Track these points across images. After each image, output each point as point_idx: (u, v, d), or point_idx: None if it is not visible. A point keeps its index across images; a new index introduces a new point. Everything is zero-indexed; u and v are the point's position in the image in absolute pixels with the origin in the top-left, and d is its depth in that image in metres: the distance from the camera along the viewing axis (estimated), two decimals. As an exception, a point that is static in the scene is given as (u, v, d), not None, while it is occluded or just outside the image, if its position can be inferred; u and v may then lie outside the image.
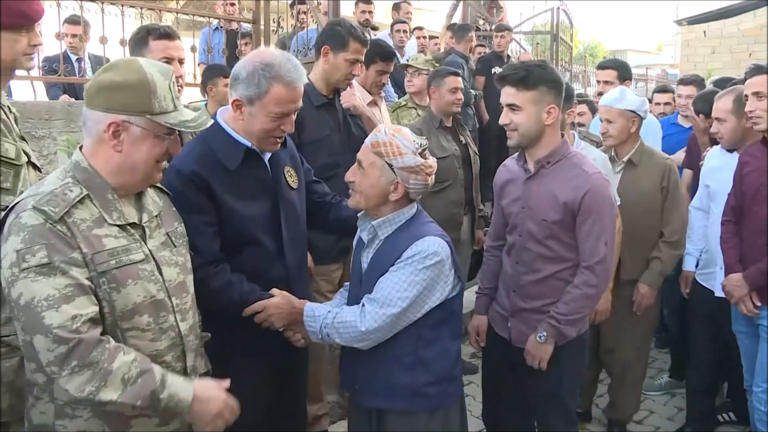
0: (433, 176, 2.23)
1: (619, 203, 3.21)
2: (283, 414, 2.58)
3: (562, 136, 2.72)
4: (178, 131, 1.84)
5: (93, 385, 1.60)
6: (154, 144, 1.77)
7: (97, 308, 1.66)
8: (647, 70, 22.35)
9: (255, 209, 2.30)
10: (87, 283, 1.65)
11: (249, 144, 2.29)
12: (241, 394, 2.35)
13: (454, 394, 2.29)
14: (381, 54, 3.94)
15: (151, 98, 1.73)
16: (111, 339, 1.67)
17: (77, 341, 1.59)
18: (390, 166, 2.16)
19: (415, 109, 4.92)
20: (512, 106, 2.58)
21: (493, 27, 8.93)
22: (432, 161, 2.21)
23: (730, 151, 3.52)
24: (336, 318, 2.20)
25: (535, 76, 2.53)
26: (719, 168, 3.54)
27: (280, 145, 2.35)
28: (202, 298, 2.11)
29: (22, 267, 1.59)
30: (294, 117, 2.29)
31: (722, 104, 3.43)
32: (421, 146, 2.18)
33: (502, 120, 2.63)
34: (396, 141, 2.16)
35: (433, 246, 2.15)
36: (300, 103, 2.28)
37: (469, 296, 5.95)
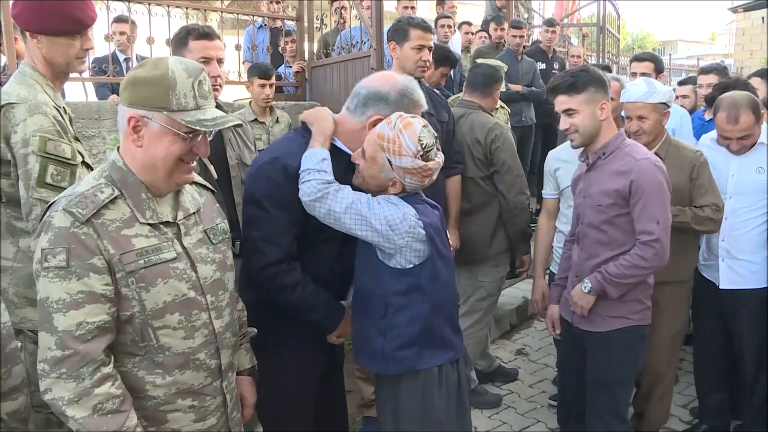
0: (433, 176, 2.24)
1: None
2: (328, 406, 2.65)
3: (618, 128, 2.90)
4: (212, 132, 1.82)
5: (68, 396, 1.63)
6: (172, 141, 1.76)
7: (107, 317, 1.68)
8: (698, 61, 21.79)
9: None
10: (102, 290, 1.67)
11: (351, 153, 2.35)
12: (290, 387, 2.41)
13: (430, 358, 2.29)
14: (449, 60, 4.40)
15: (168, 94, 1.73)
16: (111, 365, 1.69)
17: (73, 353, 1.63)
18: (390, 162, 2.19)
19: None
20: (568, 111, 2.81)
21: (542, 21, 8.78)
22: (433, 163, 2.22)
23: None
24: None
25: (582, 80, 2.78)
26: (710, 162, 3.38)
27: None
28: (270, 292, 2.22)
29: (44, 266, 1.65)
30: None
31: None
32: (424, 148, 2.17)
33: (563, 126, 2.85)
34: (400, 139, 2.16)
35: (402, 213, 2.19)
36: None
37: (511, 292, 5.95)
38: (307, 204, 2.20)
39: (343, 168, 2.30)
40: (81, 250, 1.66)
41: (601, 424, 2.88)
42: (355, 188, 2.29)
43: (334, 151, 2.33)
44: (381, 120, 2.27)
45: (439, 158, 2.25)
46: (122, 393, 1.69)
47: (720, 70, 5.02)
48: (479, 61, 5.21)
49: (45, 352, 1.64)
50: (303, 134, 2.38)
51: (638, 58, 4.74)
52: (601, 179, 2.82)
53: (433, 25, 7.01)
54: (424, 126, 2.21)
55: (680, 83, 5.77)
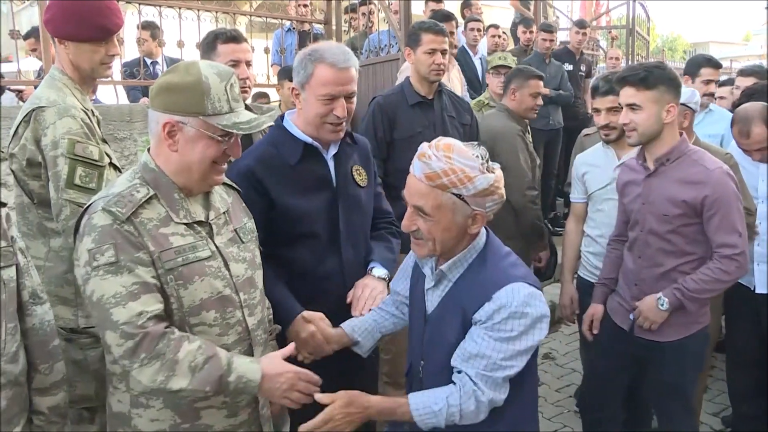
0: (503, 188, 1.87)
1: None
2: None
3: (681, 134, 2.78)
4: (243, 134, 1.85)
5: (163, 375, 1.66)
6: (208, 145, 1.79)
7: (161, 306, 1.71)
8: (731, 63, 21.43)
9: (312, 203, 2.36)
10: (152, 281, 1.71)
11: (309, 140, 2.36)
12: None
13: (534, 415, 2.08)
14: (444, 18, 4.30)
15: (203, 99, 1.76)
16: (175, 330, 1.72)
17: (143, 335, 1.65)
18: (459, 196, 1.78)
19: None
20: (632, 106, 2.68)
21: (574, 22, 8.68)
22: (498, 172, 1.84)
23: None
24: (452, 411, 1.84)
25: (655, 76, 2.64)
26: (741, 165, 3.31)
27: (340, 133, 2.37)
28: None
29: (93, 265, 1.67)
30: (344, 102, 2.28)
31: None
32: (483, 158, 1.79)
33: (622, 119, 2.74)
34: (457, 165, 1.76)
35: (519, 297, 1.78)
36: (349, 87, 2.29)
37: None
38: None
39: (300, 152, 2.33)
40: (126, 245, 1.69)
41: (674, 426, 2.86)
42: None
43: (290, 137, 2.35)
44: (297, 91, 2.29)
45: (498, 171, 1.85)
46: (200, 342, 1.73)
47: (761, 73, 4.87)
48: (493, 59, 5.20)
49: (117, 350, 1.66)
50: (269, 132, 2.42)
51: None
52: (667, 186, 2.70)
53: (463, 28, 7.06)
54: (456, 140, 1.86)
55: (720, 84, 5.64)
